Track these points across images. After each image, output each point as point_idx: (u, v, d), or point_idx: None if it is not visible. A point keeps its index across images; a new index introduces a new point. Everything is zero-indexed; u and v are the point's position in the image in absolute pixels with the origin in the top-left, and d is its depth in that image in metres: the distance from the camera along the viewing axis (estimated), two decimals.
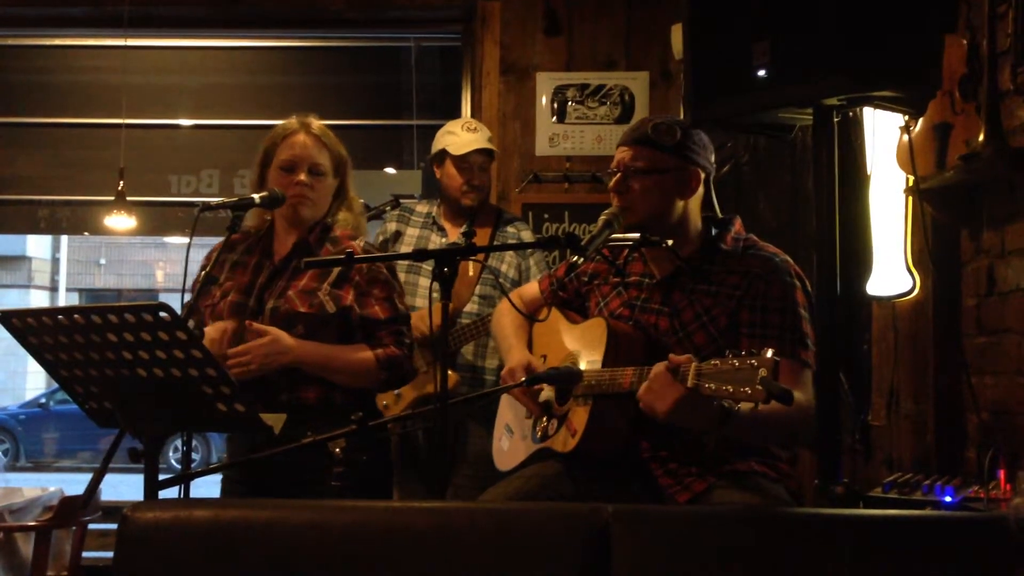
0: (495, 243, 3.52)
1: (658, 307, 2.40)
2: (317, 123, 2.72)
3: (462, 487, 3.35)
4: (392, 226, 3.67)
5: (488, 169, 3.62)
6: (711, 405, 2.00)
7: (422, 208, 3.69)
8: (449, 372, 2.96)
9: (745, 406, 1.89)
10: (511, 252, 3.56)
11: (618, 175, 2.39)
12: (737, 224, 2.46)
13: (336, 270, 2.60)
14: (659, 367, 2.05)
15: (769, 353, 1.85)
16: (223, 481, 2.69)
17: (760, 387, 1.82)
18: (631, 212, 2.36)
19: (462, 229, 3.52)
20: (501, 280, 3.49)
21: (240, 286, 2.65)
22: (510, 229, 3.61)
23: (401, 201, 3.75)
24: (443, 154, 3.57)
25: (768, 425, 2.13)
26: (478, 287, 3.49)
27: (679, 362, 2.01)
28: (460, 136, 3.56)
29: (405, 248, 3.55)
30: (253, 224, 2.77)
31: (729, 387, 1.88)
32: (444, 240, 3.56)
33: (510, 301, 2.65)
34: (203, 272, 2.72)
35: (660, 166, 2.37)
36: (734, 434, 2.08)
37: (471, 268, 3.48)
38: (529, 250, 3.58)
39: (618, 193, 2.39)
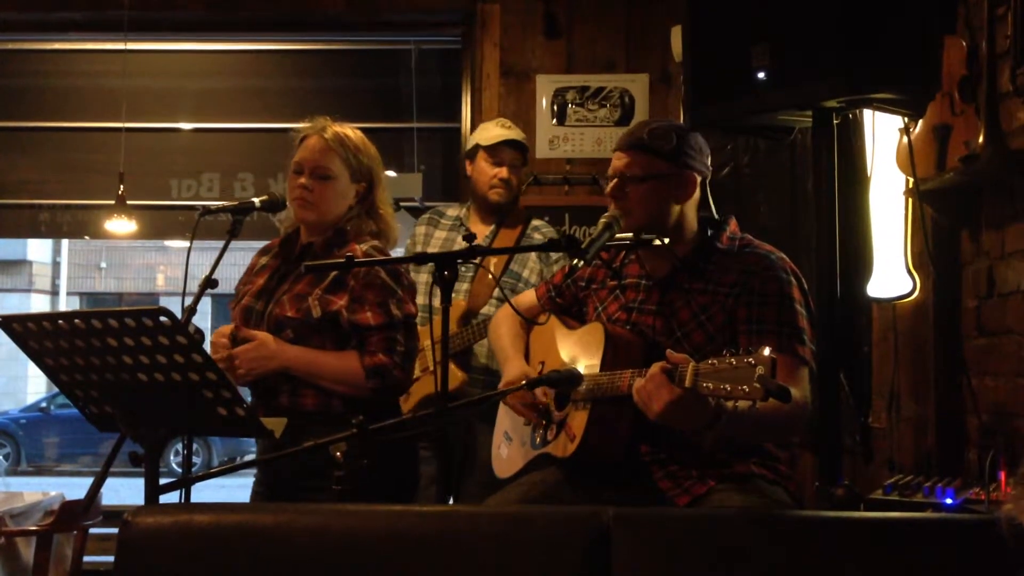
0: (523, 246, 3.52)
1: (655, 308, 2.40)
2: (334, 128, 2.67)
3: (474, 497, 3.29)
4: (422, 229, 3.68)
5: (519, 169, 3.65)
6: (704, 405, 1.99)
7: (452, 211, 3.71)
8: (456, 371, 2.93)
9: (743, 404, 1.89)
10: (535, 258, 3.55)
11: (615, 181, 2.40)
12: (733, 224, 2.46)
13: (332, 275, 2.55)
14: (656, 367, 2.05)
15: (767, 351, 1.84)
16: (254, 485, 2.68)
17: (758, 385, 1.81)
18: (629, 217, 2.37)
19: (488, 231, 3.54)
20: (521, 285, 3.48)
21: (255, 290, 2.66)
22: (536, 236, 3.61)
23: (427, 205, 3.75)
24: (475, 148, 3.63)
25: (763, 423, 2.11)
26: (497, 290, 3.48)
27: (677, 361, 2.00)
28: (492, 130, 3.64)
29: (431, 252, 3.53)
30: (285, 227, 2.77)
31: (727, 386, 1.87)
32: None
33: (511, 305, 2.64)
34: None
35: (656, 172, 2.36)
36: (728, 433, 2.07)
37: (492, 269, 3.48)
38: (556, 257, 3.55)
39: (615, 199, 2.39)
